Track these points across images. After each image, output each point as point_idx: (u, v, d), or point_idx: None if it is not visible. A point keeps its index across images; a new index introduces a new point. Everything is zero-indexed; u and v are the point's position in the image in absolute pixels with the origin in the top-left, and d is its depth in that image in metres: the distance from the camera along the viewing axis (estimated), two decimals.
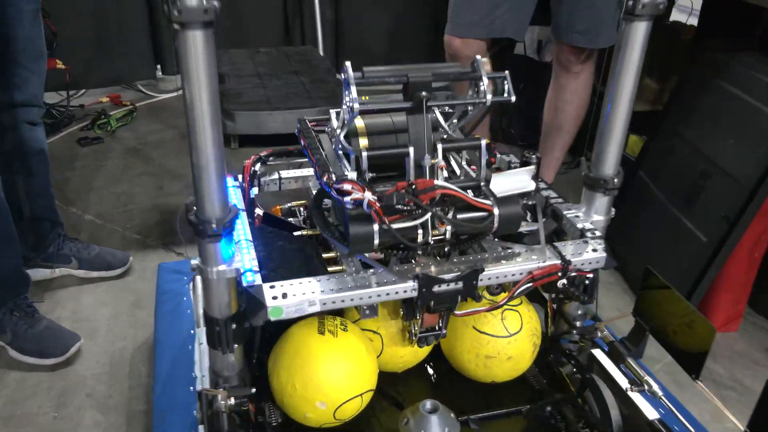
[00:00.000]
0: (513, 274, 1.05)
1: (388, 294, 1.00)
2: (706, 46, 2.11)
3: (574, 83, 2.00)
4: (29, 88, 1.57)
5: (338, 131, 1.06)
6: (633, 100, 1.08)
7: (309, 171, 1.34)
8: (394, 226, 0.97)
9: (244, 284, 0.98)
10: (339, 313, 1.20)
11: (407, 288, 1.00)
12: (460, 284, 1.02)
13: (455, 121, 1.15)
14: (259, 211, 1.26)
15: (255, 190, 1.27)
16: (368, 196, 0.94)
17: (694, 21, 2.60)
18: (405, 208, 0.96)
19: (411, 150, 1.02)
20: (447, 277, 1.01)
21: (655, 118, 2.09)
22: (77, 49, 3.07)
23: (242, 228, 1.10)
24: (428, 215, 0.98)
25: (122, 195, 2.31)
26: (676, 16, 2.86)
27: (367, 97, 1.19)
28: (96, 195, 2.30)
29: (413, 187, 0.95)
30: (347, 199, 0.94)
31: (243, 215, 1.13)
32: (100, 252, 1.84)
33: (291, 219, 1.30)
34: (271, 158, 1.30)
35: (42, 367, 1.52)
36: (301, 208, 1.32)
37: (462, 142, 1.08)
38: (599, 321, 1.28)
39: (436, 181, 0.96)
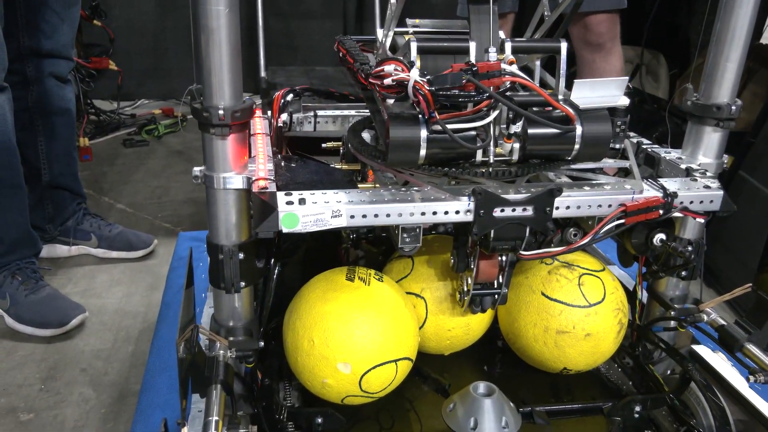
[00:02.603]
0: (599, 205, 0.81)
1: (435, 213, 0.77)
2: None
3: (613, 60, 1.76)
4: (58, 36, 1.45)
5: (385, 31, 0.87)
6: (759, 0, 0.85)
7: (350, 111, 1.14)
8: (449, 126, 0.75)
9: (254, 191, 0.77)
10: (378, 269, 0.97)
11: (460, 208, 0.77)
12: (530, 210, 0.78)
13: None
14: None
15: (284, 117, 1.08)
16: (415, 75, 0.73)
17: None
18: (461, 94, 0.73)
19: (473, 45, 0.81)
20: (513, 197, 0.78)
21: (748, 136, 1.82)
22: (135, 60, 3.06)
23: (260, 138, 0.90)
24: (493, 115, 0.76)
25: (158, 188, 2.18)
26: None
27: (418, 21, 1.02)
28: (131, 187, 2.18)
29: (474, 68, 0.74)
30: (388, 81, 0.73)
31: (262, 122, 0.94)
32: (123, 231, 1.68)
33: None
34: (306, 93, 1.11)
35: (38, 337, 1.33)
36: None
37: (536, 43, 0.87)
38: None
39: (504, 65, 0.75)
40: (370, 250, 1.11)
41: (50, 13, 1.42)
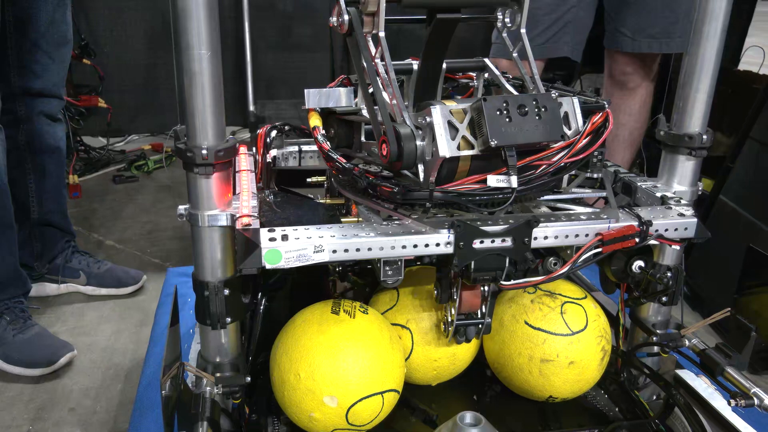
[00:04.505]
0: (577, 235, 0.83)
1: (415, 246, 0.78)
2: None
3: (630, 102, 1.76)
4: (49, 76, 1.48)
5: None
6: (725, 31, 0.88)
7: None
8: None
9: (238, 228, 0.79)
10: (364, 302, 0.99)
11: (440, 240, 0.79)
12: (509, 241, 0.80)
13: None
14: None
15: (274, 153, 1.10)
16: None
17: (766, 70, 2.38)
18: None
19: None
20: (491, 229, 0.79)
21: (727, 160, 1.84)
22: (125, 97, 3.08)
23: (245, 175, 0.92)
24: None
25: (147, 223, 2.19)
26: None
27: None
28: (121, 223, 2.18)
29: None
30: None
31: (247, 159, 0.96)
32: (111, 268, 1.68)
33: None
34: (287, 128, 1.13)
35: (27, 377, 1.33)
36: None
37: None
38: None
39: None
40: (357, 282, 1.12)
41: (41, 53, 1.44)
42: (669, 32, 1.63)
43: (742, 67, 2.56)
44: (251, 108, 3.16)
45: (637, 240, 0.84)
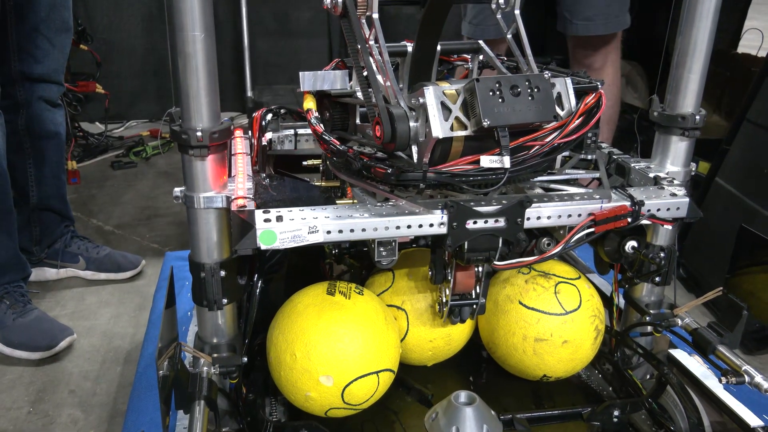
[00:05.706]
0: (569, 215, 0.84)
1: (409, 226, 0.79)
2: None
3: None
4: (49, 62, 1.48)
5: None
6: (718, 11, 0.88)
7: None
8: None
9: (233, 209, 0.79)
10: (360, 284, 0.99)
11: (434, 221, 0.79)
12: (502, 221, 0.81)
13: None
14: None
15: (269, 136, 1.11)
16: None
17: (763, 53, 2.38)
18: None
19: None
20: (485, 209, 0.80)
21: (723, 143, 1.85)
22: (123, 82, 3.08)
23: (241, 158, 0.92)
24: None
25: (146, 209, 2.20)
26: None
27: None
28: (120, 209, 2.19)
29: None
30: None
31: (243, 142, 0.96)
32: (111, 253, 1.69)
33: None
34: (282, 111, 1.14)
35: (27, 360, 1.34)
36: None
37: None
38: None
39: None
40: (354, 264, 1.13)
41: (41, 39, 1.44)
42: (607, 12, 1.65)
43: (740, 50, 2.56)
44: (249, 94, 3.16)
45: (629, 220, 0.84)
